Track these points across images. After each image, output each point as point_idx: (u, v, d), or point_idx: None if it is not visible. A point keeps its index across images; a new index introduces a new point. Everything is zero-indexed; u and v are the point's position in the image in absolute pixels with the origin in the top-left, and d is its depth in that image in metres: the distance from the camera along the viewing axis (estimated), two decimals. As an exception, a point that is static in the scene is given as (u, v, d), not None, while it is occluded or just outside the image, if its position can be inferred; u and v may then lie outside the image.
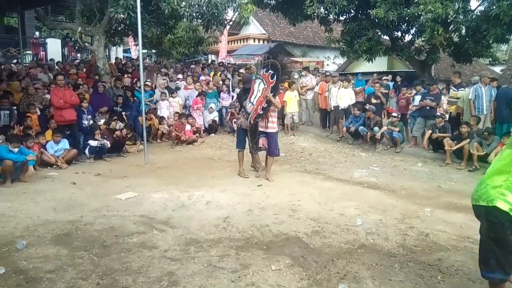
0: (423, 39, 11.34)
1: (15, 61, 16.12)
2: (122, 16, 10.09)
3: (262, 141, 6.81)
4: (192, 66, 16.32)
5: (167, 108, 10.96)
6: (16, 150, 6.50)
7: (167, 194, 5.94)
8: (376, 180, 7.04)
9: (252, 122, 6.64)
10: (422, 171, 7.80)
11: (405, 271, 3.65)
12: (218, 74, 13.71)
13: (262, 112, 6.52)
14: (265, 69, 6.51)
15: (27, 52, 17.74)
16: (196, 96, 11.20)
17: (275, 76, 6.37)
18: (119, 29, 12.68)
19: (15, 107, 8.60)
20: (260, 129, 6.72)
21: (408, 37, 12.46)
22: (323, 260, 3.84)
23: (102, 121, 8.86)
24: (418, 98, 9.54)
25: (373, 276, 3.54)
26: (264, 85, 6.47)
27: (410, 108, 9.88)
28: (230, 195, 5.92)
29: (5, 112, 8.22)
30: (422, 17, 9.98)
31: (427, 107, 9.13)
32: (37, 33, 21.20)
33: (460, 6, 9.90)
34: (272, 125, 6.74)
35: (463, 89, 9.36)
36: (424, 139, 8.87)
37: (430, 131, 8.70)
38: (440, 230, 4.65)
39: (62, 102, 7.99)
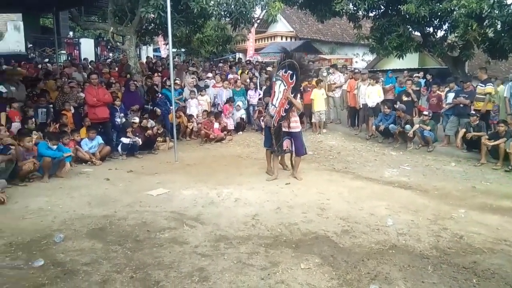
0: (456, 34, 10.99)
1: (46, 60, 16.66)
2: (153, 15, 10.27)
3: (286, 144, 6.76)
4: (220, 64, 16.44)
5: (196, 106, 11.11)
6: (54, 147, 6.79)
7: (197, 191, 6.03)
8: (408, 179, 6.90)
9: (275, 124, 6.59)
10: (455, 171, 7.58)
11: (439, 273, 3.57)
12: (246, 72, 13.76)
13: (284, 114, 6.50)
14: (283, 70, 6.45)
15: (62, 51, 18.32)
16: (225, 104, 11.27)
17: (294, 76, 6.33)
18: (150, 28, 12.90)
19: (51, 105, 8.94)
20: (283, 129, 6.68)
21: (440, 33, 12.13)
22: (353, 260, 3.81)
23: (136, 119, 9.04)
24: (451, 95, 9.27)
25: (405, 278, 3.48)
26: (285, 86, 6.43)
27: (443, 107, 9.60)
28: (258, 192, 5.95)
29: (42, 110, 8.56)
30: (455, 12, 9.70)
31: (461, 105, 8.86)
32: (71, 33, 21.89)
33: (495, 0, 9.54)
34: (296, 125, 6.71)
35: (491, 84, 9.00)
36: (458, 138, 8.61)
37: (464, 130, 8.43)
38: (475, 232, 4.52)
39: (96, 100, 8.22)
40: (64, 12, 17.29)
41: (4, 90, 8.06)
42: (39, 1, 12.56)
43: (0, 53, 15.58)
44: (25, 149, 6.54)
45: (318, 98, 11.03)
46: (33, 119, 7.99)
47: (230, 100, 11.27)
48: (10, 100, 7.96)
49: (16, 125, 7.60)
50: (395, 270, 3.62)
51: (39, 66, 13.81)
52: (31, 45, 18.27)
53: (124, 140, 8.49)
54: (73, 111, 8.88)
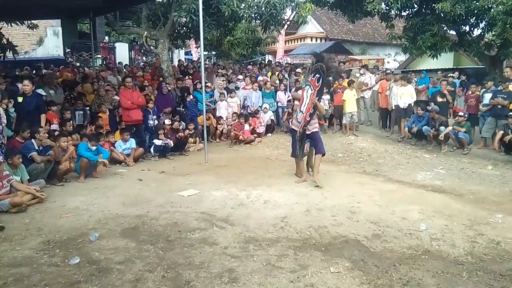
0: (493, 33, 10.56)
1: (77, 64, 17.25)
2: (185, 19, 10.44)
3: (306, 147, 6.75)
4: (250, 66, 16.52)
5: (225, 108, 11.23)
6: (94, 148, 7.05)
7: (226, 192, 6.09)
8: (442, 183, 6.71)
9: (301, 131, 6.54)
10: (492, 174, 7.30)
11: (474, 280, 3.46)
12: (276, 74, 13.77)
13: (309, 118, 6.48)
14: (312, 74, 6.44)
15: (98, 56, 18.94)
16: (252, 118, 11.28)
17: (321, 79, 6.30)
18: (182, 32, 13.12)
19: (87, 108, 9.27)
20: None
21: (477, 32, 11.70)
22: (384, 265, 3.74)
23: (169, 122, 9.23)
24: (488, 96, 8.93)
25: (438, 284, 3.39)
26: (312, 90, 6.42)
27: (481, 109, 9.22)
28: (287, 195, 5.95)
29: (79, 113, 8.91)
30: (492, 10, 9.34)
31: (499, 106, 8.52)
32: (106, 38, 22.60)
33: (537, -4, 9.11)
34: (315, 125, 6.70)
35: None
36: (495, 140, 8.29)
37: (501, 132, 8.11)
38: (513, 238, 4.35)
39: (130, 103, 8.46)
40: (100, 18, 17.86)
41: (43, 93, 8.42)
42: (77, 7, 13.04)
43: (40, 58, 16.29)
44: (61, 149, 6.80)
45: (350, 99, 10.90)
46: (71, 121, 8.31)
47: (256, 113, 11.28)
48: (49, 103, 8.30)
49: (54, 127, 7.92)
50: (428, 276, 3.54)
51: (75, 70, 14.30)
52: (69, 49, 18.96)
53: (157, 142, 8.70)
54: (108, 113, 9.17)
